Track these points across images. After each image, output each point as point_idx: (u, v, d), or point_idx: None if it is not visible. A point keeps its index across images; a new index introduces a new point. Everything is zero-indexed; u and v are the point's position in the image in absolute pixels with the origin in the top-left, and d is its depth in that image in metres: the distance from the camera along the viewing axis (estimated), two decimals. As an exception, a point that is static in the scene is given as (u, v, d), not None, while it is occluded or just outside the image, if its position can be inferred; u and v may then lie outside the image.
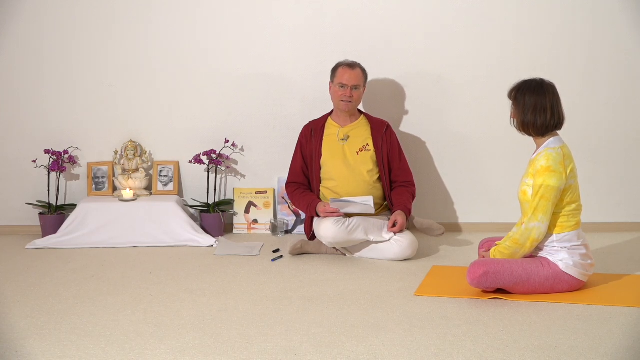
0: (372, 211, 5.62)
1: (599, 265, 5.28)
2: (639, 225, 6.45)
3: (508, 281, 4.60)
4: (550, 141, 4.70)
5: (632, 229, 6.41)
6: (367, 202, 5.58)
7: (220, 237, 6.35)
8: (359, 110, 5.98)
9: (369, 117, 5.98)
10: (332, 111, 5.97)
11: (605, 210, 6.46)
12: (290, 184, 5.97)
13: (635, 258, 5.56)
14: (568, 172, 4.64)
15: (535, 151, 4.76)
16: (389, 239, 5.62)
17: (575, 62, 6.35)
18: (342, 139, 5.87)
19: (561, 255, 4.68)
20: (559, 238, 4.69)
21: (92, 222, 6.20)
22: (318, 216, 5.70)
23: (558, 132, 4.76)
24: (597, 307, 4.47)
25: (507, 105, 6.30)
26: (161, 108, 6.59)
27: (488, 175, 6.49)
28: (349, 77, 5.78)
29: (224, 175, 6.64)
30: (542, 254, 4.74)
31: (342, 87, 5.80)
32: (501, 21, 6.35)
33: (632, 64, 6.35)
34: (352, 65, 5.82)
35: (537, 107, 4.67)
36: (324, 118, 5.98)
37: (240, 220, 6.58)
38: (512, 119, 4.81)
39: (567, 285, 4.67)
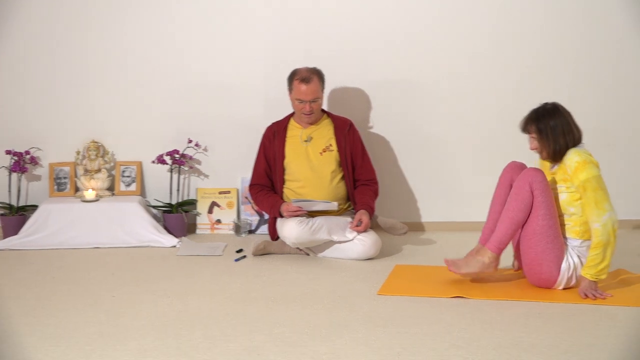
0: (335, 208, 5.62)
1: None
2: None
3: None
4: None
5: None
6: (331, 205, 5.60)
7: (183, 237, 6.33)
8: (321, 110, 5.97)
9: (331, 116, 5.97)
10: (294, 112, 5.96)
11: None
12: (253, 185, 5.95)
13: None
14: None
15: (553, 166, 4.79)
16: (353, 239, 5.62)
17: (538, 62, 6.39)
18: (305, 141, 5.87)
19: (575, 258, 4.71)
20: (580, 244, 4.73)
21: (54, 223, 6.15)
22: (282, 217, 5.69)
23: None
24: (558, 304, 4.50)
25: (471, 105, 6.40)
26: (124, 108, 6.55)
27: (451, 175, 6.52)
28: (305, 92, 5.73)
29: (187, 176, 6.62)
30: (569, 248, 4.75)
31: (300, 102, 5.78)
32: (466, 23, 6.37)
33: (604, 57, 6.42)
34: (307, 80, 5.72)
35: (564, 130, 4.67)
36: (287, 119, 5.97)
37: (203, 221, 6.56)
38: (537, 152, 4.79)
39: (543, 276, 4.70)
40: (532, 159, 4.97)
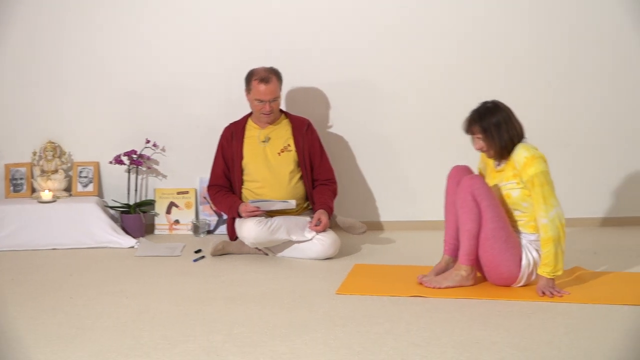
0: (294, 207, 5.63)
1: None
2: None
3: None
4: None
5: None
6: (288, 204, 5.60)
7: (141, 238, 6.30)
8: (279, 110, 5.97)
9: (289, 116, 5.97)
10: (252, 112, 5.95)
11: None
12: (211, 186, 5.94)
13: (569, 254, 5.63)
14: None
15: (499, 163, 4.80)
16: (311, 238, 5.63)
17: (491, 62, 6.44)
18: (263, 141, 5.86)
19: (534, 253, 4.74)
20: (538, 238, 4.75)
21: (10, 225, 6.09)
22: (240, 217, 5.68)
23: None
24: (516, 302, 4.53)
25: (428, 105, 6.43)
26: (81, 108, 6.51)
27: (409, 174, 6.54)
28: (264, 92, 5.72)
29: (144, 176, 6.59)
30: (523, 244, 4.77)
31: (260, 102, 5.77)
32: (423, 23, 6.39)
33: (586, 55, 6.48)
34: (266, 80, 5.72)
35: (507, 126, 4.69)
36: (244, 120, 5.96)
37: (161, 221, 6.53)
38: (483, 151, 4.80)
39: (504, 276, 4.73)
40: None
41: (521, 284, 4.77)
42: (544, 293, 4.60)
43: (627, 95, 6.46)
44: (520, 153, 4.67)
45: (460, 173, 4.86)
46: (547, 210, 4.59)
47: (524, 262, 4.71)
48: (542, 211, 4.60)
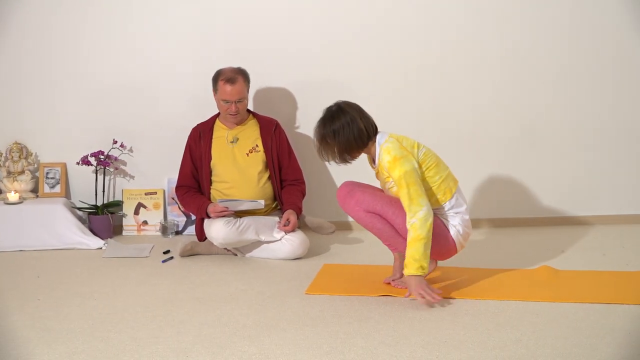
0: (262, 206, 5.62)
1: (487, 260, 5.41)
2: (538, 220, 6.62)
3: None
4: (377, 142, 4.72)
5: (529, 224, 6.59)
6: (257, 204, 5.60)
7: (109, 239, 6.27)
8: (247, 110, 5.96)
9: (257, 117, 5.97)
10: (220, 113, 5.94)
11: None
12: (180, 187, 5.92)
13: (524, 253, 5.67)
14: (410, 149, 4.67)
15: (375, 162, 4.77)
16: (280, 239, 5.63)
17: (460, 62, 6.47)
18: (232, 142, 5.85)
19: (455, 220, 4.75)
20: (450, 205, 4.75)
21: (-23, 226, 6.06)
22: (209, 217, 5.67)
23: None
24: (484, 301, 4.55)
25: (395, 105, 6.45)
26: (48, 108, 6.47)
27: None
28: (230, 92, 5.71)
29: (112, 177, 6.56)
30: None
31: (226, 102, 5.76)
32: (390, 23, 6.41)
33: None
34: (232, 80, 5.71)
35: (350, 124, 4.64)
36: (212, 120, 5.95)
37: (129, 222, 6.50)
38: (332, 161, 4.75)
39: (443, 249, 4.76)
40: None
41: (461, 249, 4.84)
42: (422, 296, 4.49)
43: (627, 95, 6.56)
44: (383, 158, 4.64)
45: (346, 195, 4.86)
46: (415, 210, 4.53)
47: (452, 232, 4.74)
48: (410, 212, 4.54)
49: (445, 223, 4.76)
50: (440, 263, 5.14)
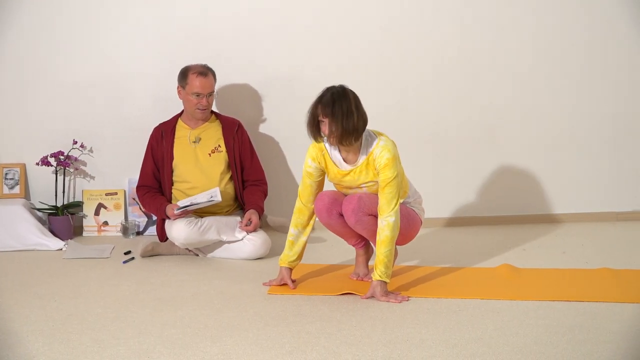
0: (219, 196, 5.55)
1: (448, 259, 5.44)
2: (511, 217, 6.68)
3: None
4: (369, 137, 4.70)
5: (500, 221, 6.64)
6: (213, 195, 5.54)
7: (69, 240, 6.23)
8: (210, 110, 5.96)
9: (220, 117, 5.96)
10: (182, 112, 5.92)
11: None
12: (140, 187, 5.89)
13: (485, 252, 5.71)
14: None
15: (358, 160, 4.69)
16: (242, 238, 5.62)
17: (435, 62, 6.50)
18: (194, 141, 5.84)
19: (416, 205, 4.93)
20: (410, 194, 4.90)
21: None
22: (169, 218, 5.65)
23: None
24: (445, 300, 4.58)
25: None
26: (6, 108, 6.40)
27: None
28: (202, 85, 5.73)
29: (72, 177, 6.51)
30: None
31: (197, 96, 5.76)
32: (355, 19, 6.42)
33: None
34: (204, 73, 5.76)
35: (357, 110, 4.61)
36: (174, 119, 5.93)
37: (90, 223, 6.46)
38: (326, 136, 4.64)
39: (416, 225, 4.92)
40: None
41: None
42: (387, 301, 4.54)
43: (589, 94, 6.63)
44: (382, 155, 4.61)
45: (330, 206, 4.85)
46: (391, 211, 4.58)
47: (423, 219, 4.99)
48: (386, 212, 4.57)
49: (414, 211, 4.94)
50: (401, 261, 5.18)
